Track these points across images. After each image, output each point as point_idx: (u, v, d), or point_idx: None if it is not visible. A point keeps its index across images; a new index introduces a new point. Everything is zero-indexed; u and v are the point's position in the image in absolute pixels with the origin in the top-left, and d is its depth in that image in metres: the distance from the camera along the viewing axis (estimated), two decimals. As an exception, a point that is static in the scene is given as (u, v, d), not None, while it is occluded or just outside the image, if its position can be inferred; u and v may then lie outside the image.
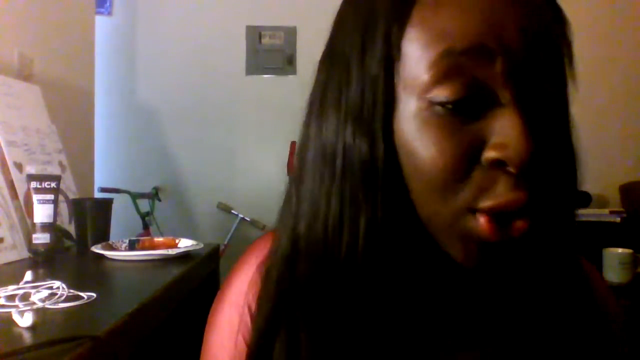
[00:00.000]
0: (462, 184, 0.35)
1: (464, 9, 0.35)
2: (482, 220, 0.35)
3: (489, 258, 0.37)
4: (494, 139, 0.35)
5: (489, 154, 0.35)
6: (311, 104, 0.43)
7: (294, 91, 2.83)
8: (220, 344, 0.45)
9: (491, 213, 0.35)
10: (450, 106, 0.35)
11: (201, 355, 0.47)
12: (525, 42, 0.35)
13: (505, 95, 0.35)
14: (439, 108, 0.35)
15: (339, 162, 0.39)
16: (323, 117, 0.41)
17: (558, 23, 0.39)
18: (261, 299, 0.43)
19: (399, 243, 0.38)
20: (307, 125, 0.43)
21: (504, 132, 0.34)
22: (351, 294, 0.39)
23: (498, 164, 0.35)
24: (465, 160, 0.35)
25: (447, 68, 0.35)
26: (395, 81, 0.37)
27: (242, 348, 0.43)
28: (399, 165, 0.38)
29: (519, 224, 0.35)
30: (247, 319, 0.44)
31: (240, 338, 0.44)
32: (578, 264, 0.45)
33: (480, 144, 0.35)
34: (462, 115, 0.35)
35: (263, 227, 2.61)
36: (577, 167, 0.41)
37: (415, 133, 0.36)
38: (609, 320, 0.46)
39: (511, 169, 0.34)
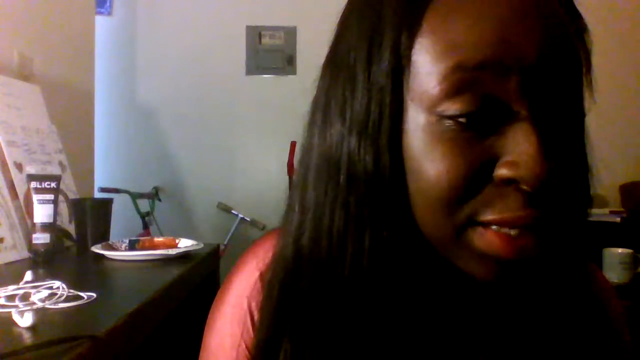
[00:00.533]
0: (468, 201, 0.34)
1: (478, 19, 0.33)
2: (489, 235, 0.34)
3: (507, 275, 0.36)
4: (507, 156, 0.33)
5: (502, 172, 0.33)
6: (314, 110, 0.41)
7: (294, 91, 2.83)
8: (221, 348, 0.45)
9: (494, 225, 0.34)
10: (463, 119, 0.33)
11: (200, 356, 0.47)
12: (542, 56, 0.33)
13: (520, 111, 0.33)
14: (449, 122, 0.33)
15: (343, 173, 0.37)
16: (327, 126, 0.39)
17: (578, 33, 0.37)
18: (263, 310, 0.42)
19: (404, 259, 0.37)
20: (310, 131, 0.41)
21: (518, 150, 0.33)
22: (356, 310, 0.37)
23: (510, 182, 0.33)
24: (474, 178, 0.34)
25: (459, 82, 0.33)
26: (403, 93, 0.36)
27: (245, 356, 0.43)
28: (405, 181, 0.36)
29: (528, 238, 0.34)
30: (250, 327, 0.43)
31: (243, 346, 0.43)
32: (584, 267, 0.45)
33: (492, 160, 0.34)
34: (473, 130, 0.33)
35: (263, 227, 2.62)
36: (591, 180, 0.41)
37: (424, 148, 0.35)
38: (612, 322, 0.45)
39: (526, 188, 0.33)
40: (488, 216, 0.34)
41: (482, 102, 0.33)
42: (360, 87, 0.37)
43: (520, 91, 0.33)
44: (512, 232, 0.34)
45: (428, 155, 0.34)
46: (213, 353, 0.45)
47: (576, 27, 0.38)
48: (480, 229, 0.35)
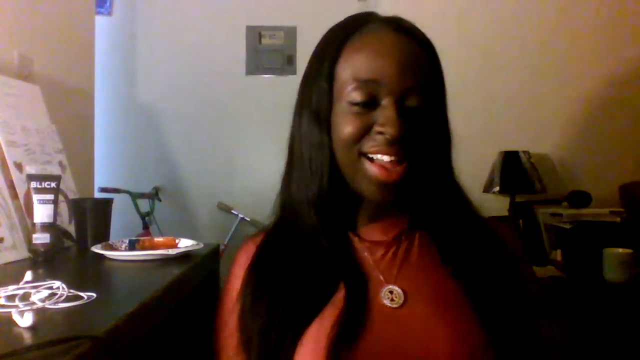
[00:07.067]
0: (359, 142, 0.64)
1: (366, 56, 0.65)
2: (374, 166, 0.63)
3: (384, 194, 0.64)
4: (380, 121, 0.63)
5: (376, 128, 0.64)
6: (295, 110, 0.73)
7: (294, 91, 2.82)
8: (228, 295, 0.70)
9: (374, 156, 0.63)
10: (359, 104, 0.64)
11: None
12: (398, 77, 0.63)
13: (387, 100, 0.64)
14: (353, 106, 0.65)
15: (305, 144, 0.69)
16: (301, 118, 0.71)
17: (426, 59, 0.67)
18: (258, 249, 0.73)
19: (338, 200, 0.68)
20: (293, 123, 0.73)
21: (384, 117, 0.63)
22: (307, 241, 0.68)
23: (380, 133, 0.63)
24: (362, 131, 0.64)
25: (357, 86, 0.64)
26: (333, 94, 0.67)
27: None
28: (332, 142, 0.66)
29: (397, 168, 0.63)
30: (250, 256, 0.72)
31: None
32: (481, 218, 0.73)
33: (372, 124, 0.64)
34: (364, 108, 0.64)
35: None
36: (450, 142, 0.71)
37: (341, 119, 0.65)
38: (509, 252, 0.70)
39: (388, 136, 0.62)
40: (369, 149, 0.64)
41: (369, 97, 0.64)
42: (314, 91, 0.69)
43: (387, 91, 0.64)
44: (385, 158, 0.63)
45: (343, 122, 0.65)
46: (228, 280, 0.72)
47: (430, 57, 0.68)
48: (368, 162, 0.64)
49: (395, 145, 0.63)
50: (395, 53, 0.64)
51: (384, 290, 0.65)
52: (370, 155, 0.64)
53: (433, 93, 0.67)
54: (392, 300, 0.64)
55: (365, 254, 0.68)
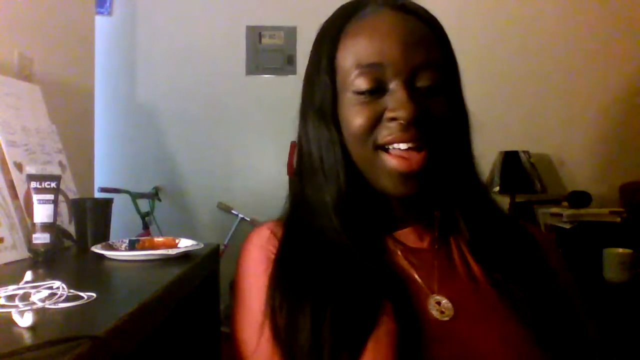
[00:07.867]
0: (372, 133, 0.60)
1: (367, 40, 0.61)
2: (391, 157, 0.59)
3: (406, 186, 0.60)
4: (390, 106, 0.59)
5: (387, 115, 0.59)
6: (300, 112, 0.69)
7: (294, 91, 2.81)
8: (251, 286, 0.64)
9: (390, 146, 0.59)
10: (365, 92, 0.60)
11: (235, 301, 0.66)
12: (404, 56, 0.59)
13: (395, 83, 0.59)
14: (359, 95, 0.60)
15: (315, 149, 0.65)
16: (306, 120, 0.67)
17: (433, 36, 0.62)
18: (281, 244, 0.65)
19: (358, 201, 0.63)
20: (300, 124, 0.69)
21: (395, 101, 0.59)
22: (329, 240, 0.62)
23: (393, 119, 0.59)
24: (374, 121, 0.60)
25: (360, 73, 0.60)
26: (337, 86, 0.63)
27: (265, 285, 0.61)
28: (342, 135, 0.62)
29: (416, 156, 0.59)
30: (269, 264, 0.63)
31: (264, 280, 0.62)
32: (510, 216, 0.70)
33: (383, 111, 0.60)
34: (371, 96, 0.60)
35: (263, 227, 2.61)
36: (468, 123, 0.66)
37: (348, 111, 0.62)
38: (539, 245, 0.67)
39: (401, 121, 0.58)
40: (384, 139, 0.60)
41: (375, 82, 0.60)
42: (316, 88, 0.65)
43: (393, 74, 0.59)
44: (402, 146, 0.59)
45: (350, 114, 0.61)
46: (246, 290, 0.64)
47: (436, 34, 0.63)
48: (385, 155, 0.60)
49: (411, 130, 0.58)
50: (398, 31, 0.60)
51: (431, 301, 0.59)
52: (387, 147, 0.60)
53: (445, 71, 0.62)
54: (441, 312, 0.58)
55: (401, 256, 0.63)
